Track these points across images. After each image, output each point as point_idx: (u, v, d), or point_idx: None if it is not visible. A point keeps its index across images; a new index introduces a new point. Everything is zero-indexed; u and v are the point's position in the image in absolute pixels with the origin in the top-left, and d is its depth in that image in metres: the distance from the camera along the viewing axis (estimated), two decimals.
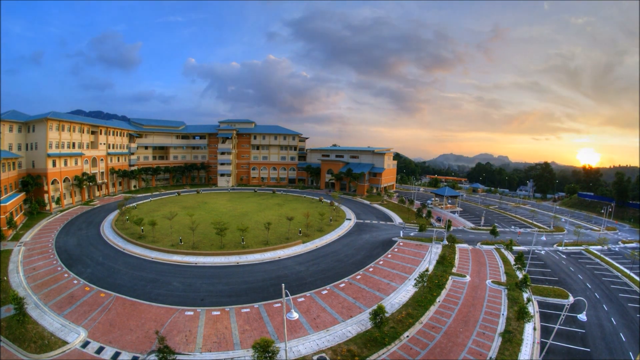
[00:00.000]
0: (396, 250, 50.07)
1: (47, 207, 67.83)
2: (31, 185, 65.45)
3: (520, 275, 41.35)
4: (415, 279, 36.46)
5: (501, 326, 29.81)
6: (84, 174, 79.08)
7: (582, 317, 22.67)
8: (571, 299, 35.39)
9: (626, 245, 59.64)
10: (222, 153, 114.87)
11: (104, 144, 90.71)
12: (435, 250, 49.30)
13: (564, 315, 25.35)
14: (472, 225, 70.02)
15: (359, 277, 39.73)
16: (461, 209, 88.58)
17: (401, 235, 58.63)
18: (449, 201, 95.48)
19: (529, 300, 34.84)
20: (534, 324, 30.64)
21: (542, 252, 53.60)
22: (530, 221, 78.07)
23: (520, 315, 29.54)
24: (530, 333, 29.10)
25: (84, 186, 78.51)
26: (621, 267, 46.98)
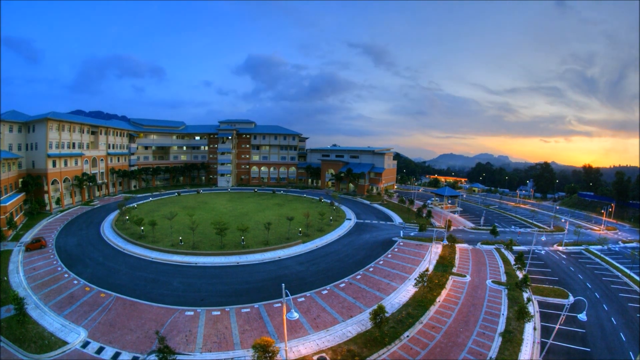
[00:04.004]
0: (396, 250, 50.06)
1: (47, 208, 67.84)
2: (31, 185, 65.42)
3: (520, 275, 41.35)
4: (415, 278, 36.45)
5: (501, 326, 29.81)
6: (84, 174, 79.07)
7: (582, 317, 22.68)
8: (571, 299, 35.38)
9: (626, 245, 59.59)
10: (222, 153, 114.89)
11: (104, 144, 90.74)
12: (435, 250, 49.29)
13: (564, 315, 25.33)
14: (472, 225, 70.00)
15: (359, 277, 39.74)
16: (461, 209, 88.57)
17: (401, 235, 58.62)
18: (449, 201, 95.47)
19: (529, 300, 34.83)
20: (534, 323, 30.65)
21: (542, 252, 53.59)
22: (530, 221, 78.02)
23: (520, 315, 29.54)
24: (531, 333, 29.10)
25: (84, 186, 78.51)
26: (621, 267, 46.95)
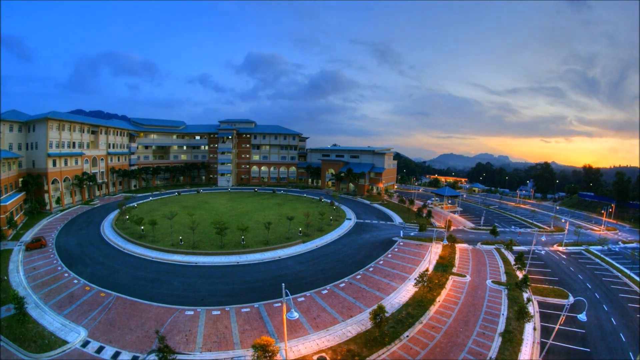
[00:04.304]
0: (396, 250, 50.06)
1: (47, 207, 67.86)
2: (31, 184, 65.44)
3: (520, 275, 41.34)
4: (415, 278, 36.47)
5: (501, 326, 29.81)
6: (84, 173, 79.10)
7: (582, 317, 22.66)
8: (571, 299, 35.36)
9: (626, 245, 59.56)
10: (223, 152, 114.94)
11: (104, 143, 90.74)
12: (435, 250, 49.28)
13: (563, 316, 25.31)
14: (472, 225, 69.98)
15: (359, 276, 39.74)
16: (461, 209, 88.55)
17: (401, 235, 58.62)
18: (449, 201, 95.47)
19: (529, 300, 34.83)
20: (534, 324, 30.64)
21: (542, 252, 53.58)
22: (530, 221, 78.00)
23: (520, 315, 29.55)
24: (530, 333, 29.10)
25: (84, 186, 78.54)
26: (621, 267, 46.94)
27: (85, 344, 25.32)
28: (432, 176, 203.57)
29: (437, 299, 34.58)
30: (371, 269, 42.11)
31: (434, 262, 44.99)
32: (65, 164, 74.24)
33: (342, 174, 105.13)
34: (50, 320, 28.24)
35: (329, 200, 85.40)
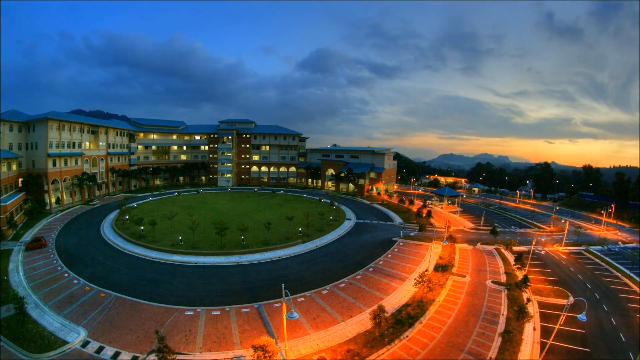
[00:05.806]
0: (396, 250, 50.06)
1: (47, 207, 67.85)
2: (31, 184, 65.45)
3: (520, 275, 41.34)
4: (415, 279, 36.45)
5: (501, 326, 29.80)
6: (84, 173, 79.09)
7: (582, 317, 22.66)
8: (571, 299, 35.35)
9: (626, 245, 59.55)
10: (222, 152, 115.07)
11: (104, 143, 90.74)
12: (435, 250, 49.27)
13: (563, 315, 25.33)
14: (472, 225, 69.97)
15: (359, 277, 39.74)
16: (461, 209, 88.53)
17: (401, 235, 58.61)
18: (449, 201, 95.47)
19: (528, 300, 34.85)
20: (534, 324, 30.64)
21: (542, 252, 53.58)
22: (530, 221, 77.98)
23: (520, 315, 29.56)
24: (530, 333, 29.10)
25: (84, 186, 78.54)
26: (621, 268, 46.90)
27: (85, 344, 25.32)
28: (432, 176, 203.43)
29: (437, 299, 34.58)
30: (371, 269, 42.11)
31: (433, 262, 44.94)
32: (65, 164, 74.24)
33: (342, 174, 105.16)
34: (50, 321, 28.24)
35: (328, 201, 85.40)
